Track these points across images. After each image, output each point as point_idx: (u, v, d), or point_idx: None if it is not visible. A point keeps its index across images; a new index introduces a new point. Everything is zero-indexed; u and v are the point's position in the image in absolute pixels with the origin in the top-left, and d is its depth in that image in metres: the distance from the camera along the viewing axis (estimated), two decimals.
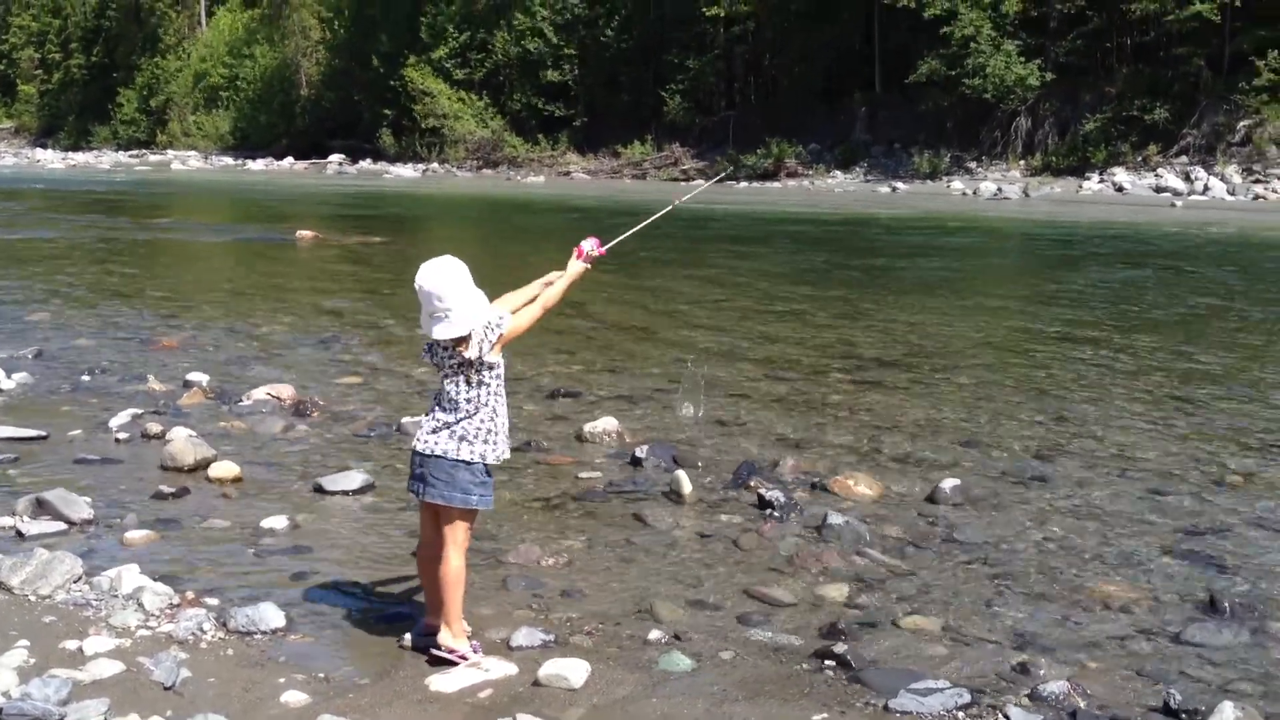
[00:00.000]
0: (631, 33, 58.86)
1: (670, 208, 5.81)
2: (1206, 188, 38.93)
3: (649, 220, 5.50)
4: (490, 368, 4.61)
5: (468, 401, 4.61)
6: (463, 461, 4.59)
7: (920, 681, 4.49)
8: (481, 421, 4.61)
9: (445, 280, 4.50)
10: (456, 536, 4.67)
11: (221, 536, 6.14)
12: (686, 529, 6.42)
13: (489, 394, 4.63)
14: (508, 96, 62.89)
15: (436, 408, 4.69)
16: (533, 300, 4.87)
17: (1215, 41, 42.22)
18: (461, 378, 4.60)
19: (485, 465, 4.63)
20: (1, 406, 8.87)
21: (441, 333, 4.51)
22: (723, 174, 6.96)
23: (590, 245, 5.03)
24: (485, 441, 4.62)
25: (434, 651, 4.64)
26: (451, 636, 4.64)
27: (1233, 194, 38.12)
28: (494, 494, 4.75)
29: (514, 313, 4.74)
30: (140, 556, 5.68)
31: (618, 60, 59.53)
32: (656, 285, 16.97)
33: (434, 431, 4.63)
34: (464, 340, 4.53)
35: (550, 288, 4.89)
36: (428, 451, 4.62)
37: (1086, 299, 15.86)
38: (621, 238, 5.26)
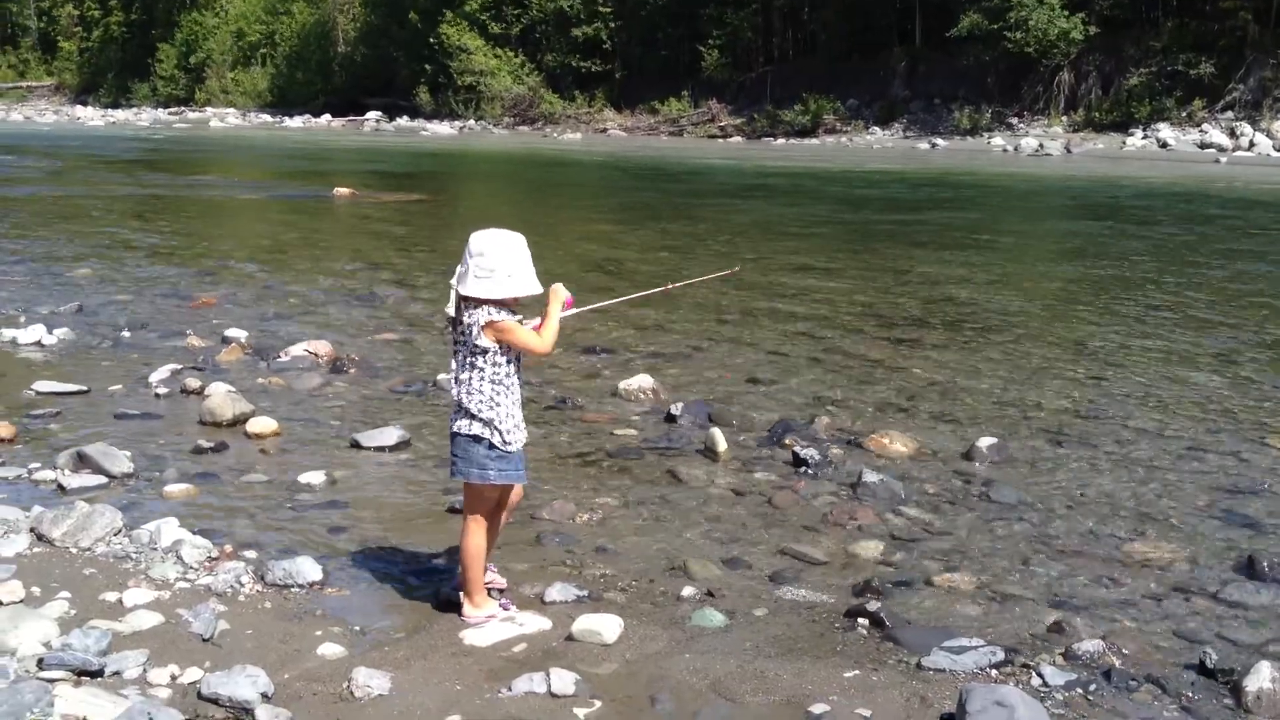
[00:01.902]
0: None
1: (662, 290, 5.52)
2: (1252, 143, 38.38)
3: (636, 296, 5.30)
4: (483, 352, 4.49)
5: (460, 383, 4.56)
6: (473, 437, 4.55)
7: (954, 640, 4.48)
8: (480, 407, 4.53)
9: (487, 240, 4.44)
10: (475, 511, 4.66)
11: (259, 491, 6.19)
12: (721, 486, 6.42)
13: (482, 379, 4.52)
14: (544, 53, 62.61)
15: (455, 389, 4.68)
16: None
17: None
18: (458, 353, 4.55)
19: (492, 443, 4.57)
20: (43, 362, 8.98)
21: (453, 281, 4.49)
22: (726, 271, 6.62)
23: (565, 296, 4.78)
24: (488, 424, 4.54)
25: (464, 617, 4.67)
26: (474, 608, 4.66)
27: (1279, 150, 37.53)
28: (529, 450, 4.72)
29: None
30: (179, 510, 5.74)
31: (655, 15, 59.06)
32: (690, 241, 16.91)
33: (455, 410, 4.63)
34: (469, 304, 4.46)
35: (547, 326, 4.66)
36: (451, 430, 4.63)
37: (1127, 257, 15.66)
38: (597, 306, 4.97)
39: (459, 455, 4.59)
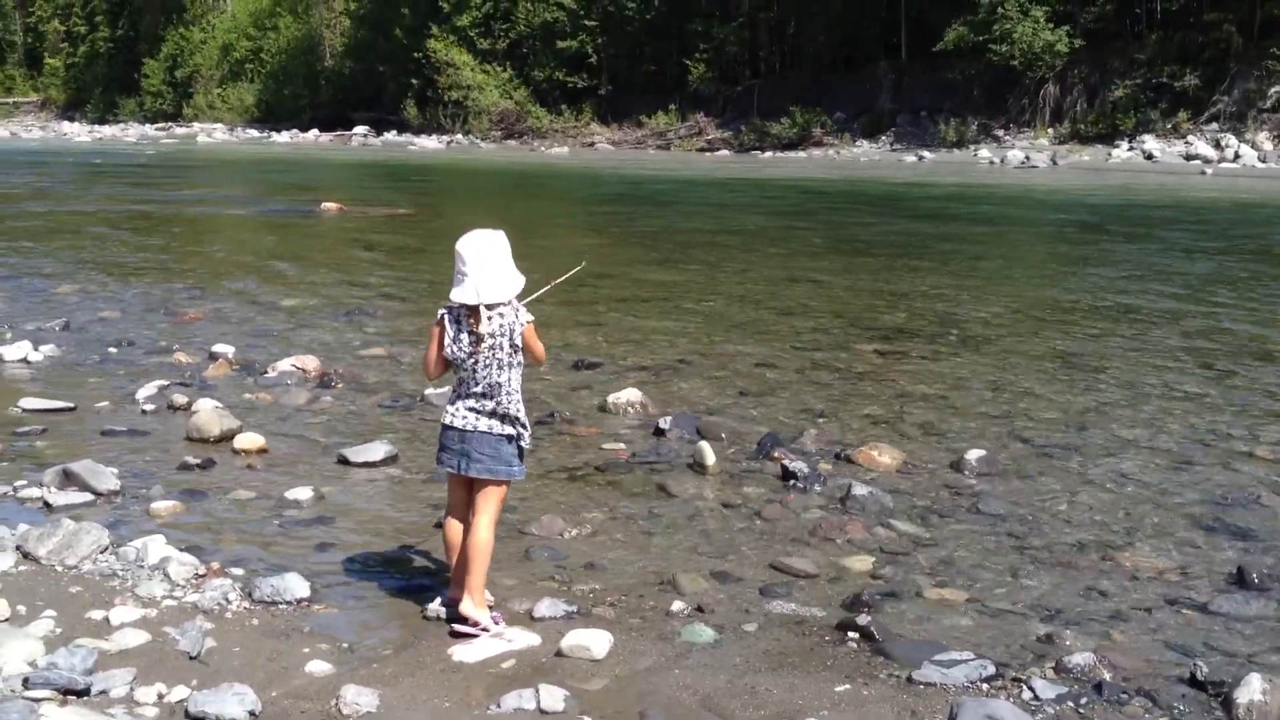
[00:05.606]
0: (654, 1, 58.38)
1: (579, 268, 5.66)
2: (1237, 155, 38.53)
3: (563, 278, 5.35)
4: (515, 350, 4.63)
5: (487, 385, 4.62)
6: (506, 436, 4.66)
7: (944, 653, 4.47)
8: (518, 409, 4.69)
9: (475, 246, 4.56)
10: (491, 508, 4.71)
11: (246, 507, 6.16)
12: (710, 500, 6.41)
13: (517, 380, 4.68)
14: (531, 67, 62.67)
15: (470, 393, 4.67)
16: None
17: (1246, 6, 41.63)
18: (491, 359, 4.59)
19: (520, 443, 4.72)
20: (29, 379, 8.93)
21: (456, 295, 4.56)
22: (574, 270, 6.46)
23: None
24: (523, 424, 4.70)
25: (455, 626, 4.65)
26: (473, 605, 4.64)
27: (1264, 161, 37.73)
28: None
29: None
30: (166, 527, 5.72)
31: (641, 30, 59.15)
32: (678, 256, 16.92)
33: (473, 410, 4.66)
34: (476, 314, 4.54)
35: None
36: (469, 428, 4.64)
37: (1114, 268, 15.70)
38: (533, 297, 5.06)
39: (487, 454, 4.65)
